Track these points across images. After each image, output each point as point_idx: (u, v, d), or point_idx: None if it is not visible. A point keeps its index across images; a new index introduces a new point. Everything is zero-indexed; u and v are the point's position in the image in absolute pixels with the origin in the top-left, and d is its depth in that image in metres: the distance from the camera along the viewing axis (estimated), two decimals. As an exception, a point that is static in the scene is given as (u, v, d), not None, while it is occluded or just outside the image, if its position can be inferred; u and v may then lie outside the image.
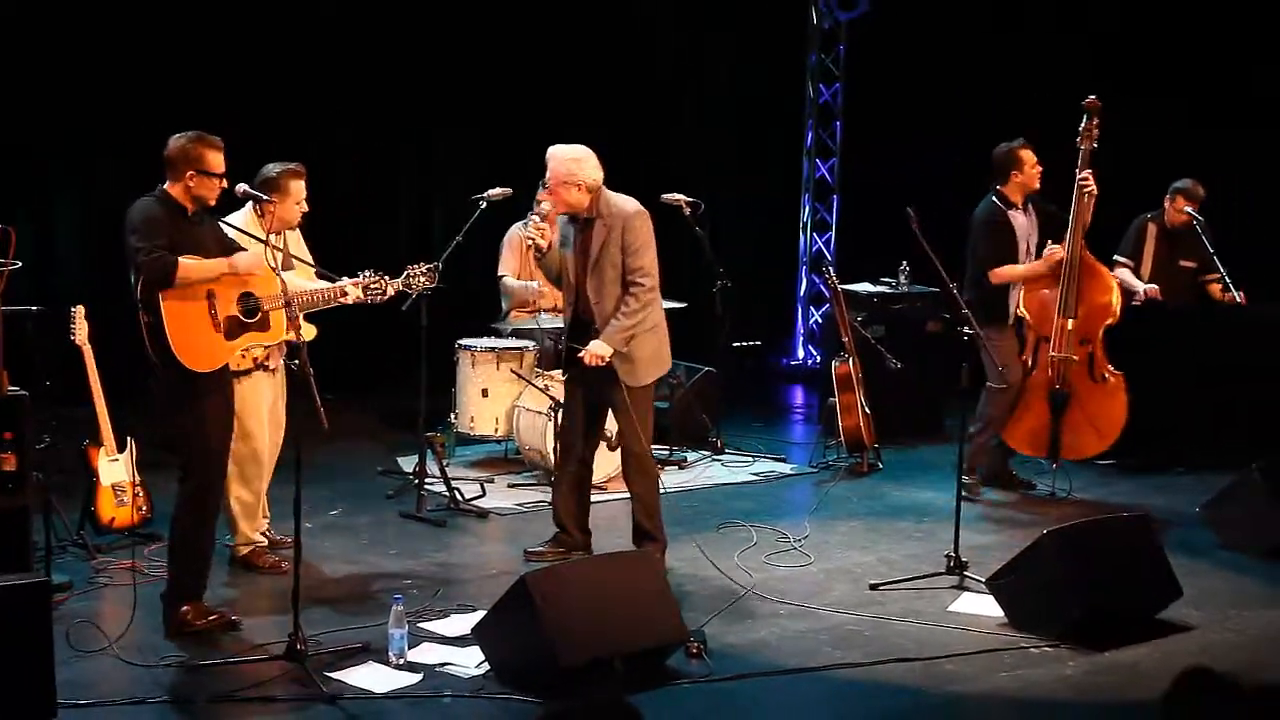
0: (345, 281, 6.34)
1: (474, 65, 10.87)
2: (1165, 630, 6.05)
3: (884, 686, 5.49)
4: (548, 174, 6.61)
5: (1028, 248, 8.06)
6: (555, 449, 7.90)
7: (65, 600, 6.08)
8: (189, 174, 5.71)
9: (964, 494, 7.10)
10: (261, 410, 6.63)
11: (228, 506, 6.59)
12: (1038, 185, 8.03)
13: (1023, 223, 8.05)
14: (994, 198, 8.04)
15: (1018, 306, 8.04)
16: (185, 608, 5.80)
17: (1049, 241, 8.01)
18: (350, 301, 6.35)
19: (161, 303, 5.58)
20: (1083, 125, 7.91)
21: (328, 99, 10.32)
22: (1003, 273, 7.98)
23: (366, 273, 6.40)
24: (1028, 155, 7.98)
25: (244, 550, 6.71)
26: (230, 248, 5.92)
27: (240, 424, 6.38)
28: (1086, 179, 7.86)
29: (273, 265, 5.66)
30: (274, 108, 9.87)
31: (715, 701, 5.34)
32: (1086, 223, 7.91)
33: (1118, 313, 8.02)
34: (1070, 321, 7.96)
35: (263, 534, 6.81)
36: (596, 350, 6.53)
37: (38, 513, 6.12)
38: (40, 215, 9.90)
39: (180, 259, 5.59)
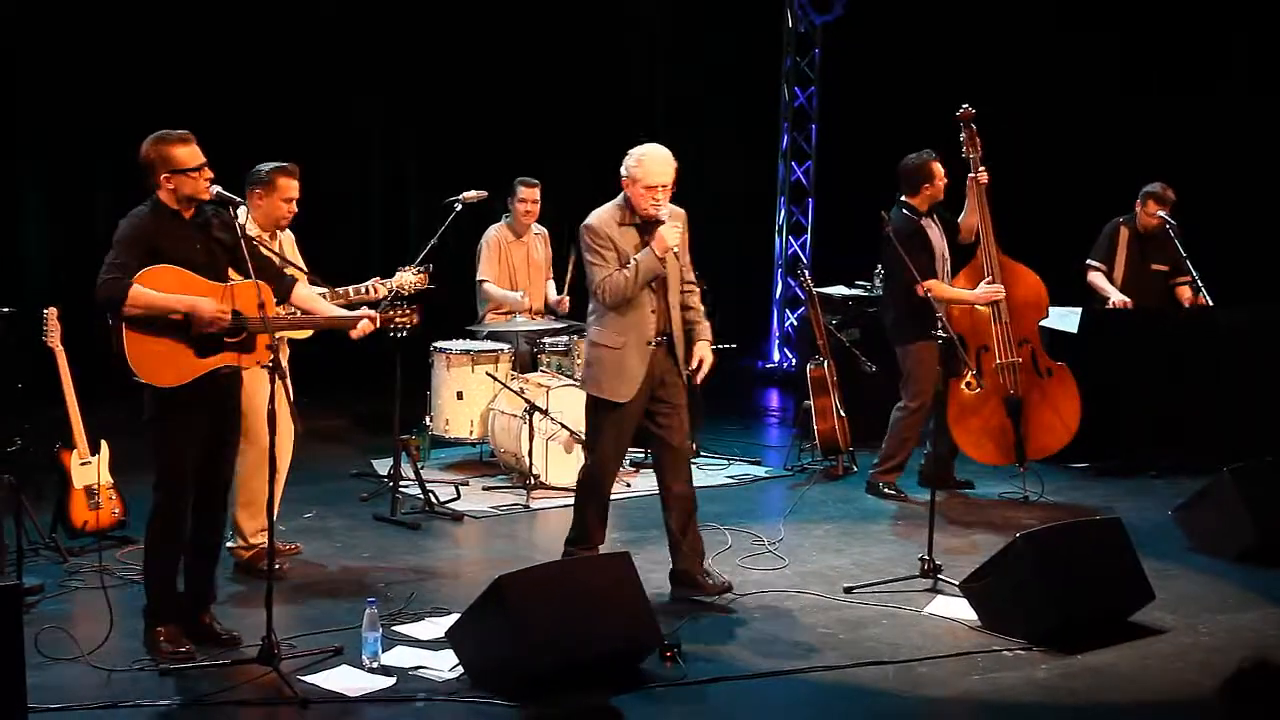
0: (362, 311, 5.97)
1: (447, 68, 10.86)
2: (1138, 634, 6.07)
3: (858, 689, 5.50)
4: (670, 181, 6.12)
5: (942, 257, 7.98)
6: (529, 452, 7.92)
7: (37, 604, 6.04)
8: (164, 176, 5.46)
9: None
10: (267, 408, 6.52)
11: (232, 511, 6.56)
12: (942, 196, 7.99)
13: (935, 233, 7.97)
14: (905, 210, 7.92)
15: (944, 323, 7.94)
16: (160, 630, 5.63)
17: (984, 281, 7.93)
18: (357, 335, 5.89)
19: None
20: (962, 137, 7.94)
21: (299, 100, 10.29)
22: (940, 291, 7.73)
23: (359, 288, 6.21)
24: (939, 168, 7.91)
25: (245, 554, 6.63)
26: (241, 255, 5.55)
27: (246, 424, 6.33)
28: (978, 174, 7.92)
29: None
30: (246, 109, 9.84)
31: (690, 705, 5.33)
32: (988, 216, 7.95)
33: (1046, 307, 8.09)
34: (1005, 325, 7.99)
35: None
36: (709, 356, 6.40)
37: (9, 515, 6.09)
38: (11, 216, 9.86)
39: (136, 287, 5.26)
